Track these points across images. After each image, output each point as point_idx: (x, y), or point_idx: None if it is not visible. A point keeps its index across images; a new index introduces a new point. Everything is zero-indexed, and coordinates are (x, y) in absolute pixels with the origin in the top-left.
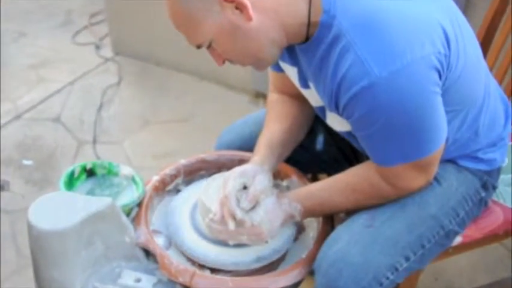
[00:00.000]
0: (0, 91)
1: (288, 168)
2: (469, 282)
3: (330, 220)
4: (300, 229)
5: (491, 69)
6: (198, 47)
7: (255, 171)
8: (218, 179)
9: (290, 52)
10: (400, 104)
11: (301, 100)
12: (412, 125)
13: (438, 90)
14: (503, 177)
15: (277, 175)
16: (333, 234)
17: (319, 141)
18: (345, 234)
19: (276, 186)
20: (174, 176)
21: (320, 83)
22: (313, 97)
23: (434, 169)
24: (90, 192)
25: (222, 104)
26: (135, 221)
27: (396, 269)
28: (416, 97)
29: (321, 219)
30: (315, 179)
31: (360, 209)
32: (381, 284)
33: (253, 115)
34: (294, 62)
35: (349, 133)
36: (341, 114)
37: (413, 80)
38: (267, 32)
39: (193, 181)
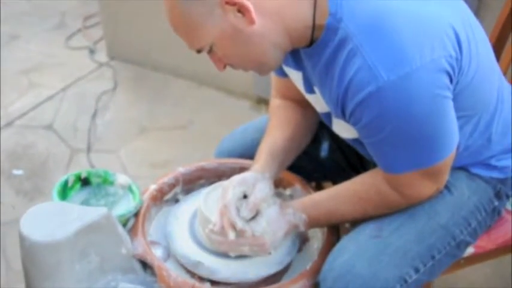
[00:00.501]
0: None
1: (291, 176)
2: None
3: (336, 230)
4: (304, 240)
5: (504, 73)
6: (198, 51)
7: (255, 179)
8: (218, 188)
9: (294, 56)
10: (409, 110)
11: (305, 106)
12: (422, 131)
13: (449, 94)
14: None
15: (280, 183)
16: (338, 245)
17: (324, 148)
18: (351, 245)
19: (279, 195)
20: (172, 185)
21: (326, 88)
22: (319, 103)
23: (445, 177)
24: (85, 202)
25: (222, 111)
26: (132, 231)
27: (405, 281)
28: (426, 102)
29: (325, 229)
30: (319, 187)
31: (367, 219)
32: None
33: (255, 122)
34: (299, 66)
35: (355, 140)
36: (348, 121)
37: (422, 85)
38: (270, 36)
39: (193, 190)
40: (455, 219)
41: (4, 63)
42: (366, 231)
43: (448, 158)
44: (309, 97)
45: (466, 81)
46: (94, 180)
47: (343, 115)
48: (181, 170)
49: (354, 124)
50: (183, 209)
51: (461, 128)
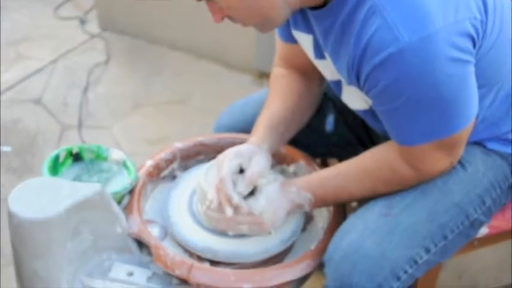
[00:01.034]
0: None
1: (294, 152)
2: (494, 280)
3: (342, 208)
4: (308, 219)
5: None
6: None
7: (252, 152)
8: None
9: (305, 19)
10: (429, 73)
11: (310, 75)
12: (441, 97)
13: (471, 59)
14: None
15: (283, 160)
16: (345, 224)
17: (329, 122)
18: (359, 223)
19: (282, 171)
20: (169, 161)
21: (339, 51)
22: (329, 69)
23: (460, 151)
24: (77, 179)
25: (221, 85)
26: (127, 209)
27: (415, 262)
28: (448, 66)
29: (331, 207)
30: (324, 164)
31: (376, 197)
32: (399, 279)
33: (256, 95)
34: (310, 29)
35: (366, 111)
36: (362, 87)
37: (444, 47)
38: None
39: (191, 166)
40: (469, 197)
41: None
42: (374, 209)
43: (466, 128)
44: (318, 63)
45: (488, 46)
46: (86, 155)
47: (357, 81)
48: (179, 145)
49: (369, 90)
50: (181, 186)
51: (481, 98)
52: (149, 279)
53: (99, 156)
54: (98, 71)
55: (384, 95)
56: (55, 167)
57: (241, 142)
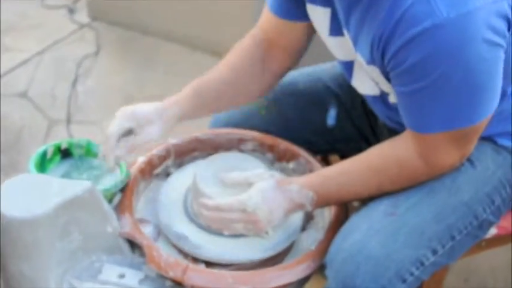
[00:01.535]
0: None
1: (294, 148)
2: (504, 283)
3: (344, 207)
4: (308, 218)
5: None
6: None
7: (148, 120)
8: (219, 160)
9: None
10: (463, 54)
11: (278, 61)
12: (470, 82)
13: (504, 43)
14: None
15: (282, 156)
16: (348, 224)
17: (331, 116)
18: (362, 223)
19: (282, 169)
20: (163, 158)
21: (363, 27)
22: (344, 48)
23: (472, 146)
24: (66, 176)
25: None
26: (119, 208)
27: (422, 264)
28: (483, 48)
29: (333, 206)
30: (325, 162)
31: (380, 195)
32: (404, 281)
33: None
34: (328, 2)
35: (376, 98)
36: (385, 66)
37: (481, 27)
38: None
39: (186, 163)
40: (478, 196)
41: None
42: (379, 208)
43: (483, 121)
44: (332, 41)
45: None
46: (76, 151)
47: (381, 59)
48: (173, 141)
49: (394, 68)
50: (175, 184)
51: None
52: (141, 281)
53: (89, 152)
54: (88, 62)
55: (410, 74)
56: (42, 164)
57: (239, 138)
